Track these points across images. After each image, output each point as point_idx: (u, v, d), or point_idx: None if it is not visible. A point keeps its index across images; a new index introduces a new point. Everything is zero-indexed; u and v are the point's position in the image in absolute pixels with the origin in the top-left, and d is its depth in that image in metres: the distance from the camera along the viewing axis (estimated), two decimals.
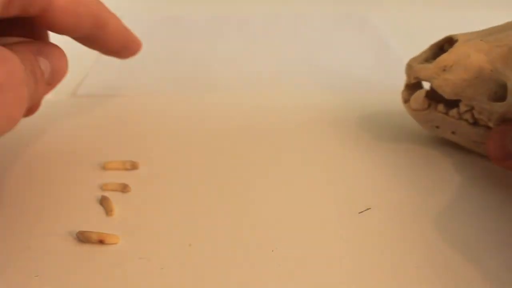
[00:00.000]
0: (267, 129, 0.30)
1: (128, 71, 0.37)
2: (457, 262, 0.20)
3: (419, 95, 0.27)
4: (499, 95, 0.25)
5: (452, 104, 0.27)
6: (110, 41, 0.23)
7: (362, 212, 0.23)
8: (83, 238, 0.20)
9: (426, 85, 0.28)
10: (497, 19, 0.29)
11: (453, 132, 0.27)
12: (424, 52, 0.28)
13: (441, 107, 0.27)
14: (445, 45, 0.28)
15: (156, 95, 0.33)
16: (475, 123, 0.26)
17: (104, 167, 0.25)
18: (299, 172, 0.26)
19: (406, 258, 0.20)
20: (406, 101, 0.28)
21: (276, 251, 0.20)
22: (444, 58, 0.26)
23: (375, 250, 0.20)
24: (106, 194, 0.23)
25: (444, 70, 0.26)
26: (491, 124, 0.25)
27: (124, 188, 0.23)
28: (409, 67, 0.28)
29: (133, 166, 0.25)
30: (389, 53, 0.41)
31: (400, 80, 0.29)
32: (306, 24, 0.47)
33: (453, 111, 0.26)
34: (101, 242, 0.20)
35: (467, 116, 0.26)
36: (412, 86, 0.28)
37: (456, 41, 0.26)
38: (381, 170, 0.26)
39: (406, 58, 0.29)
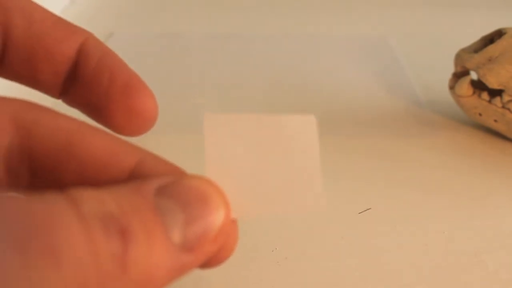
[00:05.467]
0: None
1: None
2: (459, 263, 0.24)
3: (464, 81, 0.32)
4: None
5: (496, 93, 0.31)
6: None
7: (362, 212, 0.26)
8: None
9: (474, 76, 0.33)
10: None
11: (495, 121, 0.32)
12: (475, 43, 0.33)
13: (485, 94, 0.32)
14: (495, 37, 0.33)
15: None
16: None
17: None
18: None
19: (406, 258, 0.24)
20: (451, 87, 0.34)
21: (276, 251, 0.24)
22: (490, 49, 0.31)
23: (375, 250, 0.24)
24: None
25: (489, 60, 0.31)
26: None
27: None
28: (457, 56, 0.33)
29: None
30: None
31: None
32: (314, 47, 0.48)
33: (496, 100, 0.31)
34: None
35: (510, 106, 0.30)
36: (459, 75, 0.34)
37: (505, 33, 0.31)
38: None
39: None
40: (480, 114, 0.32)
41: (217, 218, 0.14)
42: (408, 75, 0.42)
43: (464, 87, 0.32)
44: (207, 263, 0.16)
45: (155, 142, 0.33)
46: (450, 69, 0.34)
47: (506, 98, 0.30)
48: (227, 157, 0.15)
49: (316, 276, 0.23)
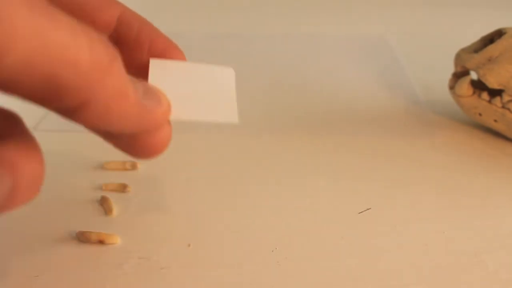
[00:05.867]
0: (264, 131, 0.35)
1: None
2: (459, 263, 0.24)
3: (464, 81, 0.32)
4: None
5: (496, 93, 0.32)
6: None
7: (362, 212, 0.26)
8: (83, 238, 0.24)
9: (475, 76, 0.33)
10: None
11: (495, 121, 0.32)
12: (474, 43, 0.33)
13: (485, 94, 0.32)
14: (494, 37, 0.33)
15: None
16: None
17: (104, 167, 0.30)
18: (300, 172, 0.30)
19: (406, 258, 0.24)
20: (451, 87, 0.34)
21: (276, 251, 0.24)
22: (490, 49, 0.31)
23: (375, 250, 0.24)
24: (106, 194, 0.28)
25: (489, 60, 0.31)
26: None
27: (124, 188, 0.28)
28: (457, 56, 0.33)
29: (133, 167, 0.30)
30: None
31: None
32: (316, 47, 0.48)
33: (496, 100, 0.31)
34: (101, 242, 0.24)
35: (510, 106, 0.30)
36: (459, 75, 0.34)
37: (505, 33, 0.31)
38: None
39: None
40: (480, 114, 0.32)
41: (163, 100, 0.18)
42: (408, 75, 0.42)
43: (464, 87, 0.32)
44: (146, 150, 0.19)
45: None
46: (450, 69, 0.34)
47: (506, 98, 0.30)
48: (165, 82, 0.20)
49: (316, 276, 0.23)
